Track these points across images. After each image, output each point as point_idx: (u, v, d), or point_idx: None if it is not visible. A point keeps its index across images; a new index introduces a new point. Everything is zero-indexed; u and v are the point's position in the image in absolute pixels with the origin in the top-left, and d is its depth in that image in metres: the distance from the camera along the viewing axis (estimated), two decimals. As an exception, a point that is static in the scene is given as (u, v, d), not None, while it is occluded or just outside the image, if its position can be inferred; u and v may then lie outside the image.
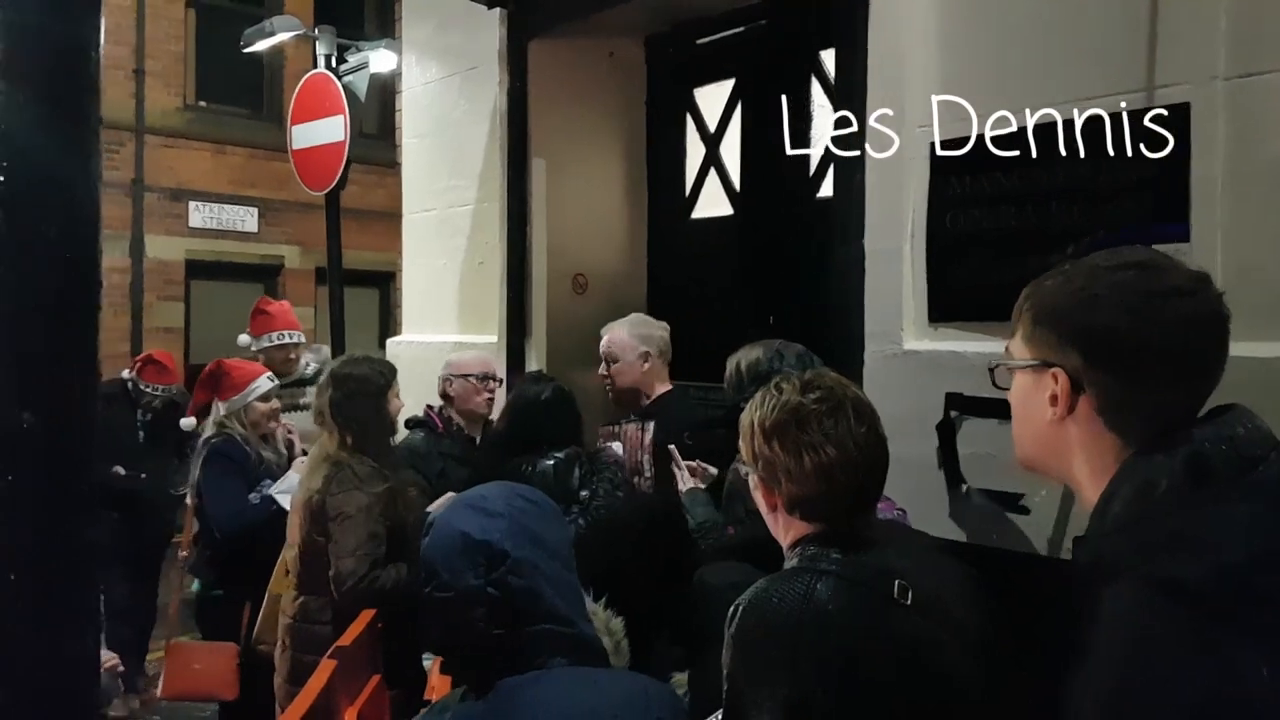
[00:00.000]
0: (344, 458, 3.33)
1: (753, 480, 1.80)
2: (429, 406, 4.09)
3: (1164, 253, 1.30)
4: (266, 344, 5.19)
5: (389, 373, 3.56)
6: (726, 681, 1.63)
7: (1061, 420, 1.25)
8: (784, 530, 1.76)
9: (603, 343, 3.71)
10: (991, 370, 1.41)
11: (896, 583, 1.58)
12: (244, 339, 5.34)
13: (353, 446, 3.36)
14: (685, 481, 2.99)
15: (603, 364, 3.69)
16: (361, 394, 3.41)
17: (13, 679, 0.62)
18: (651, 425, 3.51)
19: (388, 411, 3.49)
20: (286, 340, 5.21)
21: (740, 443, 1.82)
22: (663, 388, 3.67)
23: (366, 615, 3.10)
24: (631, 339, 3.64)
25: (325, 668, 2.71)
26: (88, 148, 0.65)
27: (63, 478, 0.62)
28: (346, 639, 2.90)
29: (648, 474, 3.44)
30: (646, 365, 3.63)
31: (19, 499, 0.60)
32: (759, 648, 1.58)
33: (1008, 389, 1.36)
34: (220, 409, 4.21)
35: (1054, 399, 1.26)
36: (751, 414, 1.78)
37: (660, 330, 3.73)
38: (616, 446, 3.55)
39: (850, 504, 1.70)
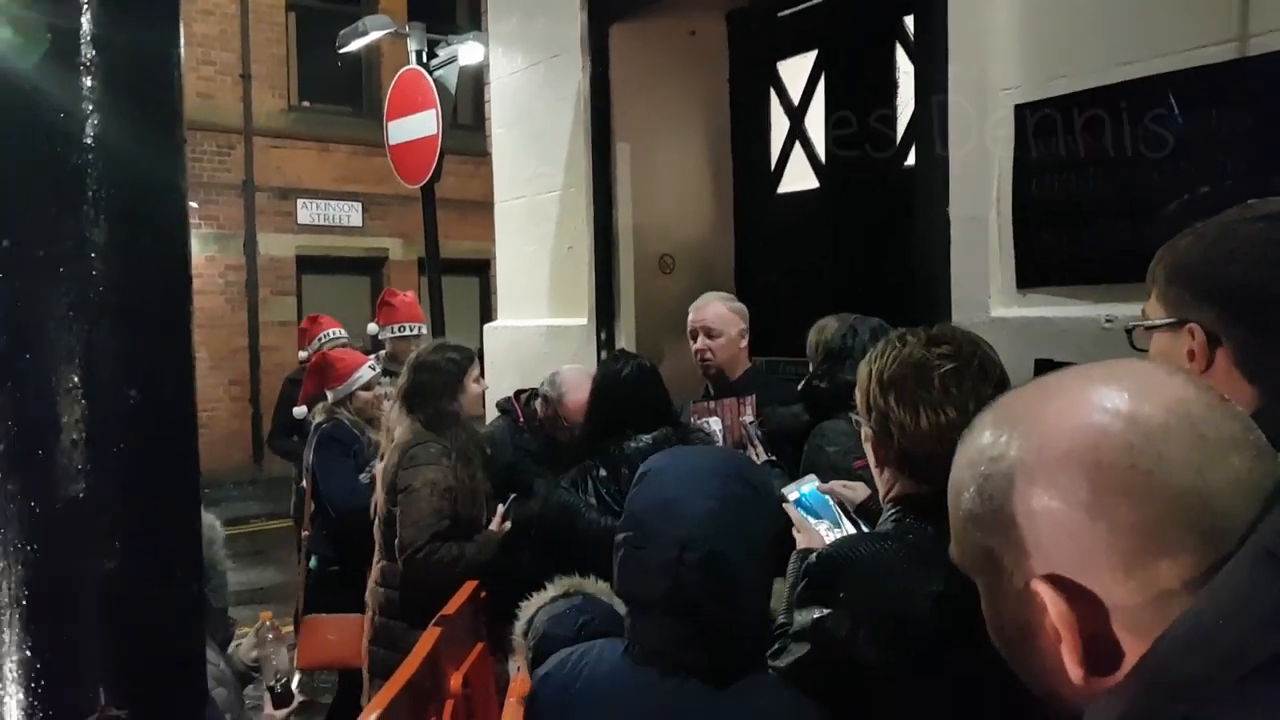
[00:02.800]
0: (416, 438, 3.52)
1: (864, 432, 1.72)
2: (516, 394, 4.15)
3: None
4: (390, 335, 5.49)
5: (464, 360, 3.69)
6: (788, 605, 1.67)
7: (1199, 376, 1.24)
8: (887, 485, 1.70)
9: (695, 317, 3.63)
10: (1129, 331, 1.42)
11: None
12: (372, 328, 5.68)
13: (424, 429, 3.54)
14: (759, 457, 3.03)
15: (700, 338, 3.60)
16: (432, 383, 3.60)
17: (122, 626, 0.71)
18: (751, 398, 3.47)
19: (458, 399, 3.63)
20: (407, 332, 5.46)
21: (856, 392, 1.74)
22: (746, 364, 3.67)
23: (469, 586, 3.23)
24: (731, 313, 3.61)
25: (430, 635, 2.83)
26: (175, 147, 0.74)
27: (166, 442, 0.73)
28: (451, 608, 3.03)
29: (758, 447, 3.36)
30: (744, 342, 3.62)
31: (130, 462, 0.70)
32: (819, 576, 1.61)
33: (1145, 350, 1.36)
34: (329, 397, 4.44)
35: (1191, 355, 1.27)
36: (870, 364, 1.69)
37: (744, 306, 3.73)
38: (714, 423, 3.53)
39: None
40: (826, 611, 1.58)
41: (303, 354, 5.81)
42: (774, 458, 3.04)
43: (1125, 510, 0.71)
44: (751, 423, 3.21)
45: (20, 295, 0.68)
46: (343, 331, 5.79)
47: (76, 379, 0.68)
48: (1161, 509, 0.71)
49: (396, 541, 3.45)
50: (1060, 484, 0.74)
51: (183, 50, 0.71)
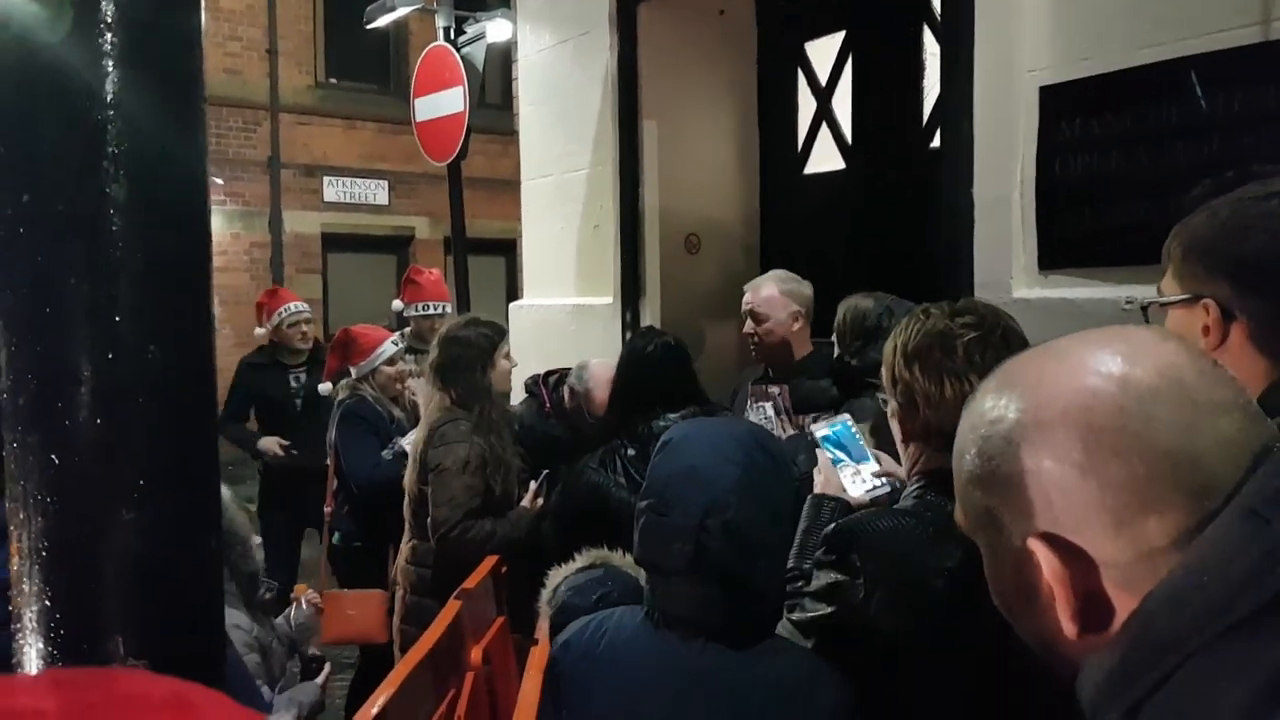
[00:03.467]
0: (447, 415, 3.51)
1: (891, 408, 1.73)
2: (541, 378, 4.08)
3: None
4: (414, 313, 5.48)
5: (495, 335, 3.66)
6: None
7: (1214, 351, 1.26)
8: (912, 460, 1.72)
9: (747, 299, 3.49)
10: (1144, 309, 1.43)
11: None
12: (397, 305, 5.66)
13: (455, 405, 3.53)
14: (785, 430, 3.02)
15: (748, 321, 3.47)
16: (464, 357, 3.56)
17: (140, 577, 0.73)
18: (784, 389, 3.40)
19: (489, 374, 3.59)
20: (431, 311, 5.44)
21: (881, 370, 1.75)
22: (805, 350, 3.48)
23: (490, 560, 3.26)
24: (783, 296, 3.42)
25: (451, 609, 2.86)
26: (195, 122, 0.75)
27: (185, 397, 0.74)
28: (471, 582, 3.05)
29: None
30: (797, 325, 3.43)
31: (149, 415, 0.71)
32: (838, 546, 1.63)
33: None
34: (351, 373, 4.46)
35: (1206, 330, 1.28)
36: (895, 339, 1.71)
37: (807, 289, 3.52)
38: (768, 407, 3.40)
39: None
40: (844, 578, 1.60)
41: (260, 330, 5.68)
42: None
43: (1115, 468, 0.73)
44: (775, 390, 3.16)
45: (41, 251, 0.70)
46: (304, 305, 5.72)
47: (97, 334, 0.69)
48: (1150, 467, 0.73)
49: (429, 520, 3.44)
50: (1054, 444, 0.76)
51: (203, 10, 0.72)
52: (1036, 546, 0.76)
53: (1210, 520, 0.71)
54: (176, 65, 0.72)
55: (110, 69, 0.68)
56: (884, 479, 2.01)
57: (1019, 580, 0.80)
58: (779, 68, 4.78)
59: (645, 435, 3.09)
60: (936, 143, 3.84)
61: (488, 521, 3.40)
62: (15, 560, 0.74)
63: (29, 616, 0.73)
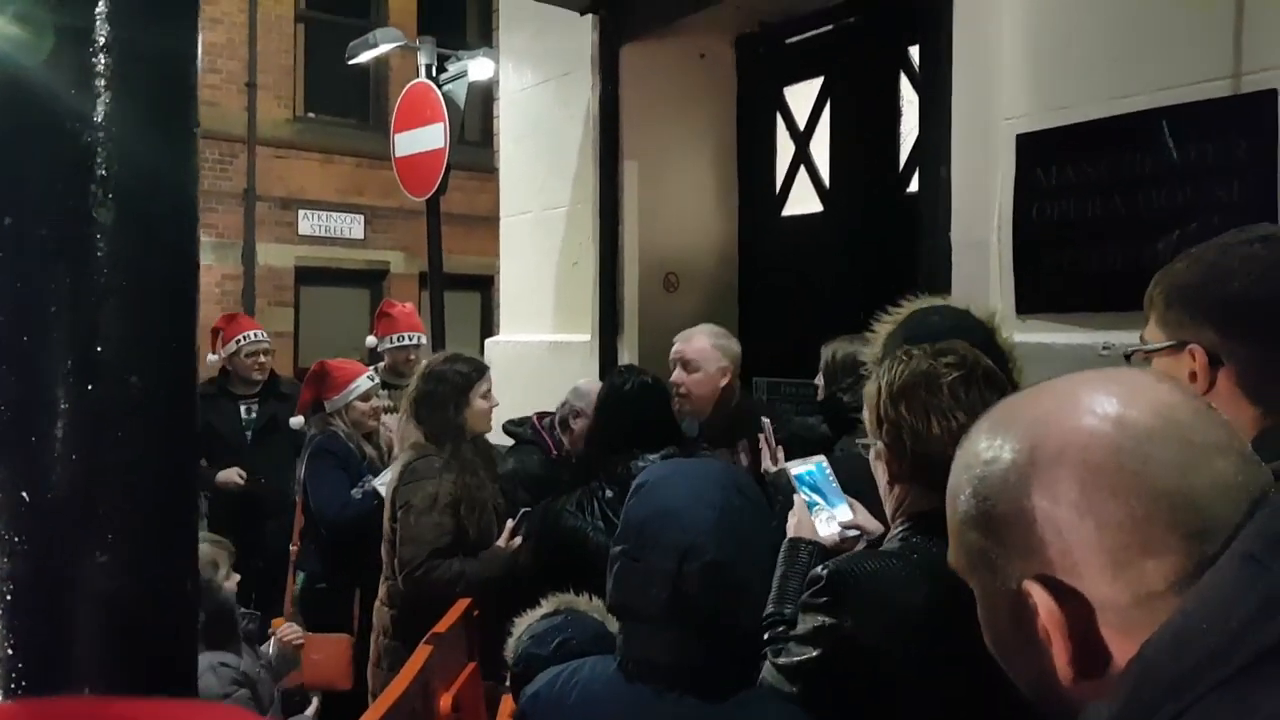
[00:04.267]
0: (419, 452, 3.44)
1: (875, 450, 1.75)
2: (538, 421, 3.95)
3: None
4: (388, 345, 5.35)
5: (474, 373, 3.57)
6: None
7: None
8: (897, 501, 1.72)
9: (678, 349, 3.50)
10: (1127, 357, 1.42)
11: None
12: (371, 340, 5.54)
13: (428, 440, 3.46)
14: (772, 462, 2.99)
15: (677, 370, 3.47)
16: (438, 393, 3.48)
17: (112, 623, 0.70)
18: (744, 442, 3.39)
19: (463, 412, 3.50)
20: (406, 342, 5.34)
21: (865, 413, 1.77)
22: (735, 399, 3.51)
23: (461, 604, 3.20)
24: (714, 349, 3.45)
25: (421, 653, 2.80)
26: (187, 148, 0.74)
27: (166, 430, 0.72)
28: (442, 626, 3.00)
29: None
30: (725, 380, 3.44)
31: (128, 451, 0.69)
32: (824, 590, 1.63)
33: None
34: (325, 407, 4.37)
35: (1193, 377, 1.27)
36: (878, 380, 1.73)
37: (737, 346, 3.56)
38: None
39: None
40: (832, 620, 1.58)
41: (213, 358, 5.43)
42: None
43: (1112, 508, 0.73)
44: (766, 422, 3.13)
45: (21, 275, 0.68)
46: (263, 335, 5.52)
47: (77, 363, 0.67)
48: (1148, 508, 0.72)
49: (395, 560, 3.37)
50: (1050, 484, 0.75)
51: (200, 34, 0.71)
52: (1033, 589, 0.75)
53: (1209, 564, 0.70)
54: (169, 88, 0.71)
55: (101, 90, 0.66)
56: (854, 531, 2.01)
57: (1014, 623, 0.78)
58: (758, 111, 4.82)
59: (624, 476, 3.01)
60: (913, 187, 3.88)
61: (456, 561, 3.31)
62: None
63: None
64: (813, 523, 2.00)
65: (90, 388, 0.68)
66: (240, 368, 5.39)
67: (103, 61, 0.67)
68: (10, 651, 0.68)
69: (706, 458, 3.23)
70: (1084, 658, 0.74)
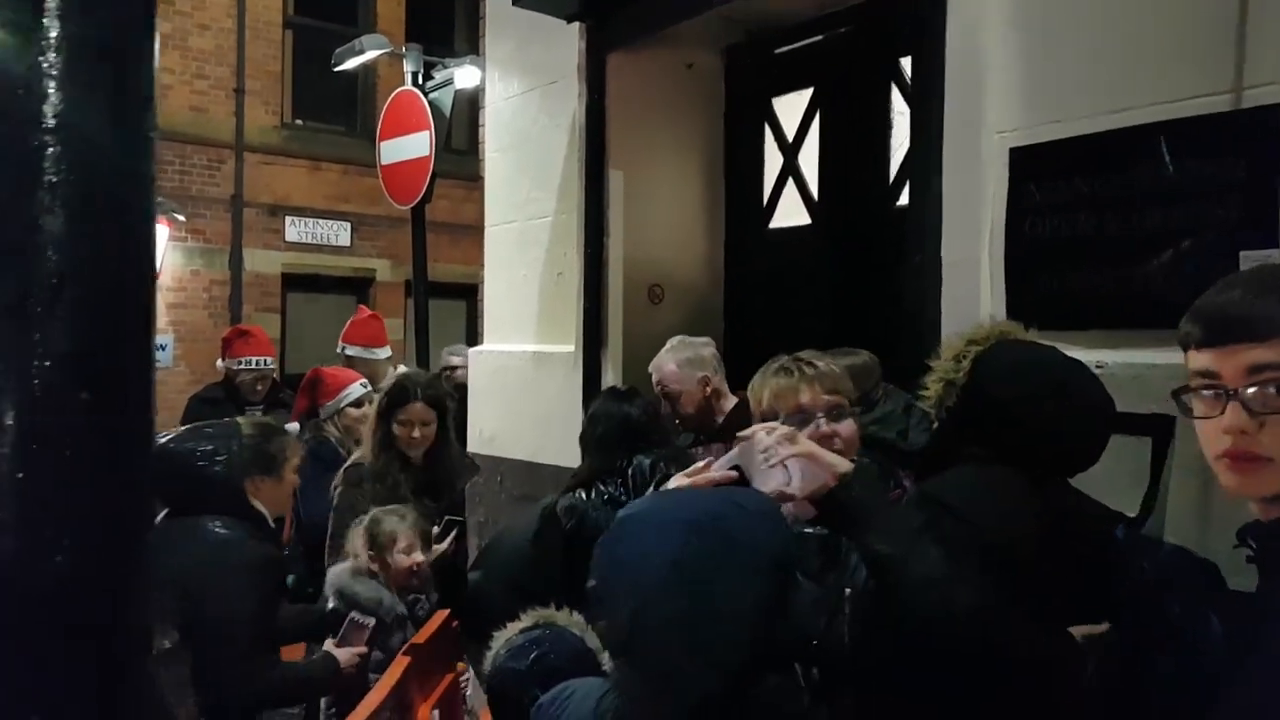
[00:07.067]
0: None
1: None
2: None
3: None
4: (350, 354, 5.52)
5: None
6: None
7: (1267, 423, 1.26)
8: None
9: (654, 380, 3.59)
10: (1177, 396, 1.41)
11: None
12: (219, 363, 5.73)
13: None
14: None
15: (662, 403, 3.56)
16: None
17: (64, 647, 0.65)
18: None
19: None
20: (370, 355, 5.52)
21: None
22: (730, 401, 3.53)
23: (440, 614, 3.16)
24: (683, 370, 3.52)
25: (399, 664, 2.77)
26: (143, 152, 0.69)
27: (119, 449, 0.67)
28: (421, 637, 2.96)
29: None
30: (709, 389, 3.50)
31: (75, 469, 0.65)
32: None
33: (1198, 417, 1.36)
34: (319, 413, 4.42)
35: None
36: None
37: (707, 348, 3.60)
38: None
39: None
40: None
41: (220, 364, 5.70)
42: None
43: None
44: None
45: (-34, 285, 0.64)
46: (265, 361, 5.63)
47: (22, 378, 0.63)
48: None
49: None
50: None
51: (156, 32, 0.67)
52: None
53: None
54: (125, 90, 0.66)
55: (51, 91, 0.62)
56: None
57: None
58: (746, 122, 4.80)
59: (626, 468, 3.18)
60: (904, 201, 3.86)
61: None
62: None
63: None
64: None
65: (37, 405, 0.64)
66: (240, 384, 5.54)
67: (51, 60, 0.62)
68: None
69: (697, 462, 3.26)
70: None
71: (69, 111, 0.62)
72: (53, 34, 0.61)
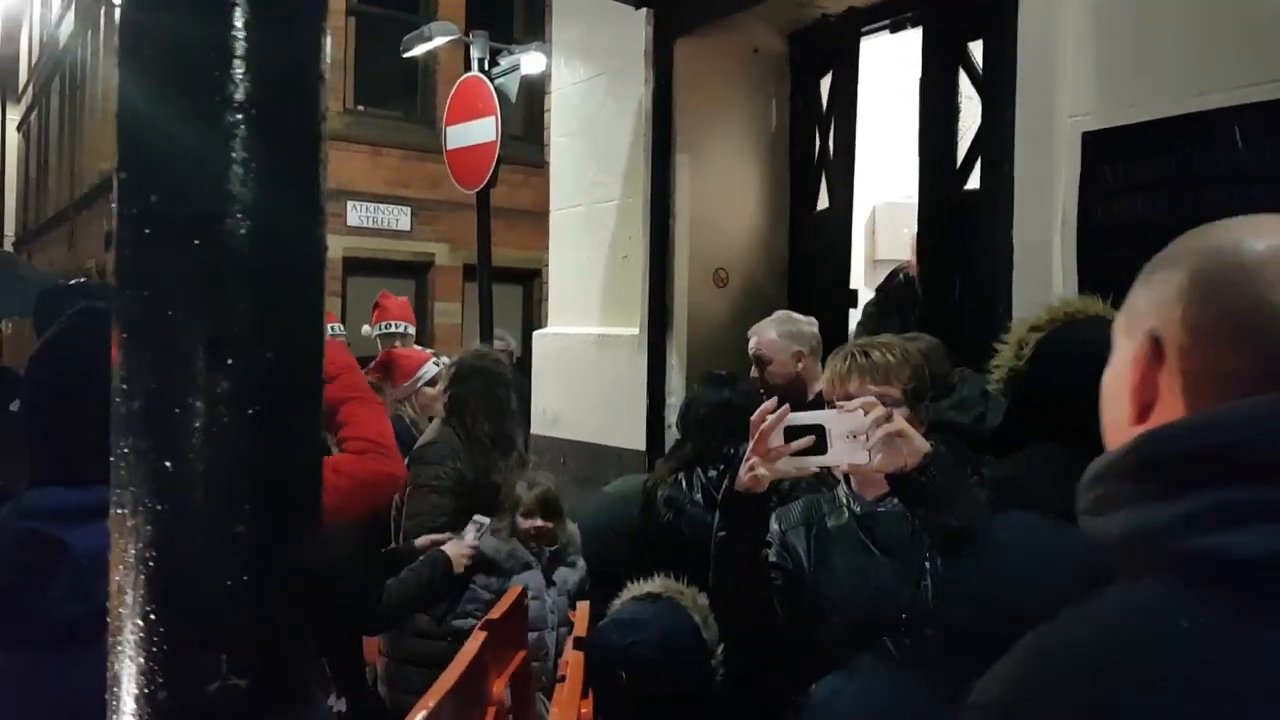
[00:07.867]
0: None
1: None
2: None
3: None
4: (378, 333, 5.66)
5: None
6: None
7: None
8: None
9: (751, 345, 3.57)
10: None
11: None
12: (365, 329, 5.90)
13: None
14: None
15: (753, 368, 3.55)
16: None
17: (247, 593, 0.71)
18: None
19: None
20: (393, 330, 5.63)
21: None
22: (819, 385, 3.57)
23: (515, 590, 3.23)
24: (782, 339, 3.50)
25: (475, 639, 2.83)
26: (317, 100, 0.76)
27: (296, 407, 0.74)
28: (496, 612, 3.03)
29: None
30: (801, 365, 3.48)
31: (260, 426, 0.71)
32: None
33: None
34: (393, 395, 4.49)
35: None
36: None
37: (810, 326, 3.58)
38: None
39: None
40: None
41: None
42: None
43: None
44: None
45: (163, 253, 0.70)
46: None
47: (215, 339, 0.69)
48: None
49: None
50: None
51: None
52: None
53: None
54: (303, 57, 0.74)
55: (243, 60, 0.69)
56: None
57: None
58: (810, 106, 4.81)
59: (729, 453, 3.17)
60: (972, 184, 3.85)
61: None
62: (119, 570, 0.72)
63: (130, 630, 0.71)
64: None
65: (228, 364, 0.70)
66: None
67: (244, 28, 0.69)
68: (153, 616, 0.70)
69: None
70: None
71: (258, 86, 0.68)
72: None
